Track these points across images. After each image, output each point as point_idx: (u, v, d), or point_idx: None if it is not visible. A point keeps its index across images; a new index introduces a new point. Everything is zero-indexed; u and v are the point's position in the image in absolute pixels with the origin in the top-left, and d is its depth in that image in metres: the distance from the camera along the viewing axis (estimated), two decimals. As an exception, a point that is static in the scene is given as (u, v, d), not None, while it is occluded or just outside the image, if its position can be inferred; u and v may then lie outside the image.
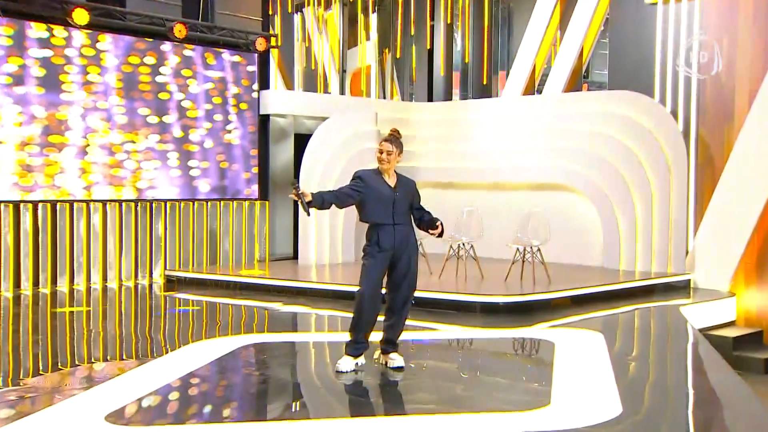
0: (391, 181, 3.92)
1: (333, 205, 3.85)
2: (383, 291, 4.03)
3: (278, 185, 9.40)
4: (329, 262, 8.68)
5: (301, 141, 9.12)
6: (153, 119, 8.26)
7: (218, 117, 8.84)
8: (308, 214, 3.68)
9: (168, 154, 8.46)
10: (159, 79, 8.31)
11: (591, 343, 4.98)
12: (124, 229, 8.31)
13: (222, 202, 9.03)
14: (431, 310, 6.29)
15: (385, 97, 10.93)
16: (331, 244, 8.75)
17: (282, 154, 9.44)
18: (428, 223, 3.98)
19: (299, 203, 3.67)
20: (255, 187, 9.18)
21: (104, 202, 8.09)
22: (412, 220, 4.02)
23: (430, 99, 11.15)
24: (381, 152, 3.88)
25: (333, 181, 8.48)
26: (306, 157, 8.63)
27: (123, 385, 3.84)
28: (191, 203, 8.81)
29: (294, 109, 9.32)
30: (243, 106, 8.97)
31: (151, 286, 8.15)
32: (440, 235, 3.96)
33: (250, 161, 9.10)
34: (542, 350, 4.96)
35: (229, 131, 8.94)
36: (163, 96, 8.33)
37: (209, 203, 8.97)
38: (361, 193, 3.88)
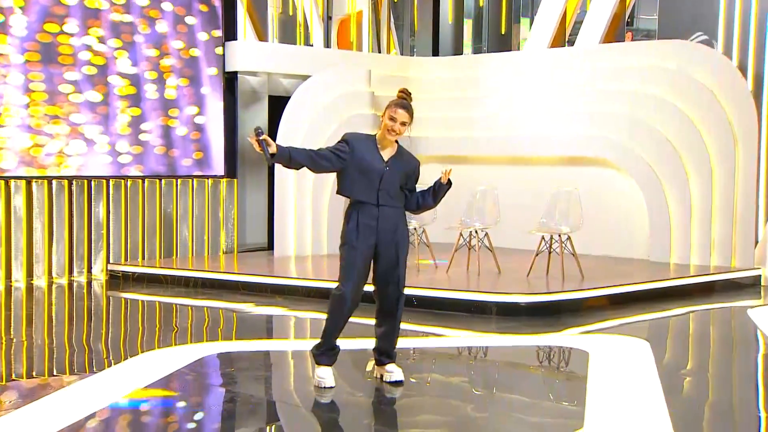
0: (387, 153, 3.92)
1: (304, 167, 3.87)
2: (370, 288, 4.06)
3: (249, 160, 9.42)
4: (312, 253, 8.80)
5: (277, 105, 9.21)
6: (76, 76, 8.26)
7: (170, 75, 8.83)
8: (268, 165, 3.73)
9: (112, 121, 8.48)
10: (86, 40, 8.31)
11: (634, 352, 4.97)
12: (55, 213, 8.32)
13: (179, 181, 9.03)
14: (437, 311, 6.36)
15: (380, 51, 10.90)
16: (315, 231, 8.84)
17: (253, 120, 9.46)
18: (427, 196, 4.04)
19: (261, 152, 3.66)
20: (218, 162, 9.18)
21: (28, 180, 8.06)
22: (404, 206, 4.03)
23: (435, 53, 11.16)
24: (394, 121, 3.86)
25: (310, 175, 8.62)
26: (282, 125, 8.68)
27: (52, 408, 3.80)
28: (140, 181, 8.80)
29: (268, 66, 9.32)
30: (211, 70, 9.04)
31: (90, 283, 8.19)
32: (448, 184, 3.99)
33: (209, 131, 9.12)
34: (573, 361, 4.97)
35: (186, 92, 8.97)
36: (97, 60, 8.33)
37: (163, 181, 8.97)
38: (344, 159, 3.89)
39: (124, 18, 8.42)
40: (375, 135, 3.96)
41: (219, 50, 9.04)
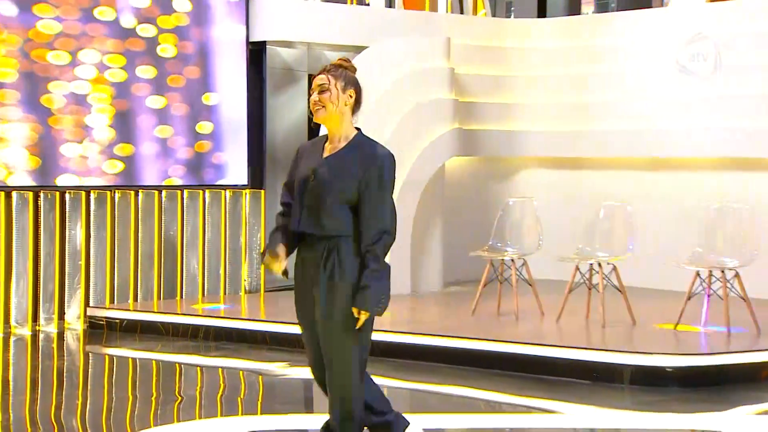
0: (332, 147, 3.86)
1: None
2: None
3: (281, 164, 9.51)
4: None
5: None
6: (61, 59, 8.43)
7: (167, 52, 8.92)
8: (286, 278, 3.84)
9: (97, 114, 8.58)
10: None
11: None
12: (16, 237, 8.32)
13: (187, 193, 9.11)
14: (545, 377, 6.39)
15: (463, 12, 10.91)
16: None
17: (287, 110, 9.50)
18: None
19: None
20: (238, 168, 9.21)
21: None
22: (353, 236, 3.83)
23: (542, 13, 11.22)
24: (312, 92, 3.88)
25: None
26: None
27: None
28: (132, 194, 8.85)
29: (307, 33, 9.37)
30: (229, 39, 9.03)
31: (61, 335, 8.22)
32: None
33: (228, 126, 9.16)
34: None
35: (195, 69, 9.06)
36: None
37: (164, 194, 9.03)
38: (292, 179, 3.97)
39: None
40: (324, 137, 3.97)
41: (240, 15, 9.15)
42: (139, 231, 8.90)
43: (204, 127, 9.07)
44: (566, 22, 10.39)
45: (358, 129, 3.86)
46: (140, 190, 8.86)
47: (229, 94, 9.16)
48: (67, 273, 8.56)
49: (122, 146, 8.66)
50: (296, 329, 7.07)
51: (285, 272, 3.80)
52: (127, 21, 8.63)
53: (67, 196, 8.52)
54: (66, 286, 8.54)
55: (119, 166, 8.66)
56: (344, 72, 3.86)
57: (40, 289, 8.40)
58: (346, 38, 9.46)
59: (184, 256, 9.13)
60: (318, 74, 3.87)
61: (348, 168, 3.76)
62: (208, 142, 9.07)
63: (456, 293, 9.11)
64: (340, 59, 3.95)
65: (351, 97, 3.83)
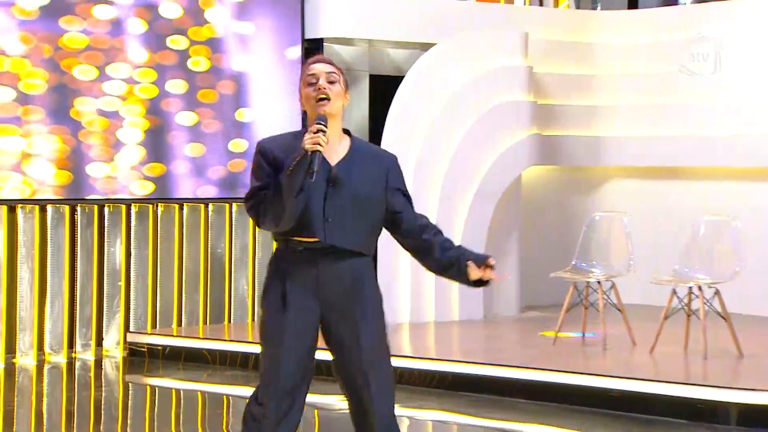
0: (333, 148, 3.77)
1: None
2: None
3: None
4: (434, 319, 8.85)
5: (383, 90, 9.24)
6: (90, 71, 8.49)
7: (199, 65, 8.91)
8: (311, 176, 3.62)
9: (131, 123, 8.61)
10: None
11: None
12: (50, 256, 8.38)
13: (236, 206, 9.09)
14: (638, 415, 6.34)
15: (542, 4, 10.77)
16: (437, 285, 8.79)
17: (348, 114, 9.29)
18: (452, 258, 3.83)
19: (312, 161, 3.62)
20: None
21: (11, 205, 8.18)
22: (394, 241, 3.92)
23: (632, 5, 11.02)
24: (315, 81, 3.76)
25: (442, 173, 8.74)
26: (390, 121, 8.75)
27: None
28: (176, 207, 8.86)
29: (369, 29, 9.33)
30: (282, 36, 9.05)
31: (99, 363, 8.23)
32: (485, 283, 3.80)
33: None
34: None
35: (243, 74, 9.04)
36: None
37: (211, 207, 9.05)
38: (263, 178, 3.76)
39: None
40: (298, 131, 3.84)
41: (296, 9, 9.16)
42: (184, 248, 8.90)
43: (238, 144, 9.01)
44: (660, 14, 10.23)
45: (346, 130, 3.85)
46: (185, 204, 8.87)
47: (281, 98, 9.11)
48: (105, 295, 8.57)
49: (153, 165, 8.68)
50: None
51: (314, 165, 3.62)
52: (158, 33, 8.68)
53: (105, 210, 8.55)
54: (104, 310, 8.55)
55: (149, 186, 8.67)
56: (342, 70, 3.84)
57: (76, 313, 8.42)
58: (412, 34, 9.40)
59: (233, 277, 9.09)
60: (314, 63, 3.80)
61: (367, 175, 3.79)
62: (242, 160, 9.00)
63: (535, 319, 9.04)
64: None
65: (346, 94, 3.80)
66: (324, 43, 9.35)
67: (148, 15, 8.59)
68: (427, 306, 8.82)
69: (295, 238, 3.73)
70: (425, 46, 9.17)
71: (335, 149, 3.74)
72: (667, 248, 8.66)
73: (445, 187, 8.75)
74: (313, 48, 9.30)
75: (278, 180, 3.65)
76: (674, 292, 7.36)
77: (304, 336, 3.77)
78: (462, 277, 3.78)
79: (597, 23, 10.19)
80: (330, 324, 3.79)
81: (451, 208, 8.79)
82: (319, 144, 3.56)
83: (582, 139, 9.81)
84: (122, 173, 8.52)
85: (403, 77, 8.93)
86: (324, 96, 3.69)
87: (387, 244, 8.36)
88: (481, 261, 3.74)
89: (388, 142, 8.59)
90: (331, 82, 3.72)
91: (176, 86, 8.73)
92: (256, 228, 9.12)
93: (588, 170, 10.10)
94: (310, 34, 9.26)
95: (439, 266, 3.86)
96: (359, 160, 3.79)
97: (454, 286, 8.74)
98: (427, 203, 8.67)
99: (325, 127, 3.60)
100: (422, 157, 8.72)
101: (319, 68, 3.75)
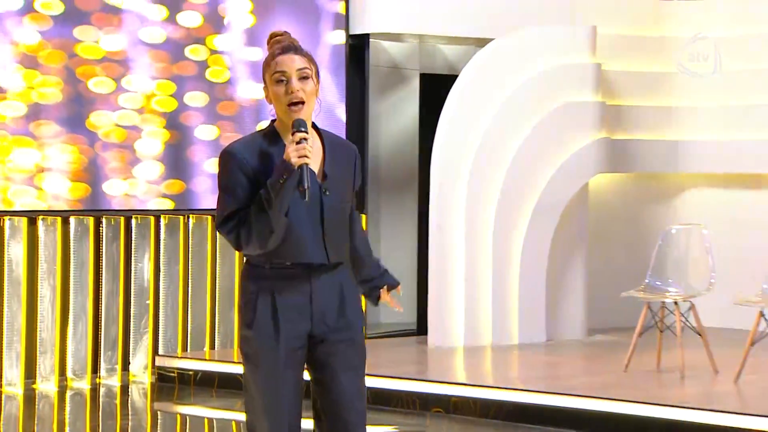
0: (311, 153, 3.71)
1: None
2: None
3: (388, 181, 9.54)
4: (492, 342, 8.82)
5: (435, 90, 9.23)
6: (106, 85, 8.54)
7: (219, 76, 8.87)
8: (304, 194, 3.59)
9: (145, 145, 8.63)
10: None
11: None
12: (73, 271, 8.38)
13: (273, 217, 9.08)
14: None
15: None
16: (500, 305, 8.83)
17: (396, 117, 9.50)
18: (368, 269, 3.98)
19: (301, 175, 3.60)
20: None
21: (31, 216, 8.25)
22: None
23: None
24: (285, 79, 3.68)
25: (498, 182, 8.71)
26: (443, 125, 8.77)
27: None
28: (208, 219, 8.90)
29: (419, 24, 9.37)
30: (325, 33, 9.04)
31: (126, 389, 8.26)
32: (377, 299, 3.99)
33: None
34: None
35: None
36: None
37: None
38: (241, 195, 3.67)
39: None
40: (266, 131, 3.78)
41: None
42: (217, 264, 8.89)
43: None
44: (745, 4, 10.02)
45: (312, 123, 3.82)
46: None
47: (324, 99, 9.02)
48: (132, 315, 8.59)
49: (172, 182, 8.73)
50: (406, 386, 7.30)
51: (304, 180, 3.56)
52: (176, 42, 8.77)
53: (133, 221, 8.57)
54: (131, 331, 8.57)
55: (167, 204, 8.75)
56: (311, 56, 3.75)
57: (100, 334, 8.44)
58: (466, 29, 9.38)
59: None
60: (283, 53, 3.69)
61: (343, 171, 3.80)
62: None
63: (603, 343, 9.00)
64: (280, 32, 3.77)
65: (317, 85, 3.72)
66: (370, 39, 9.36)
67: (165, 24, 8.67)
68: (483, 328, 8.78)
69: (287, 262, 3.66)
70: (481, 42, 9.16)
71: (313, 149, 3.67)
72: (752, 264, 8.58)
73: (502, 199, 8.71)
74: (358, 45, 9.35)
75: (257, 195, 3.58)
76: (762, 314, 7.25)
77: (298, 365, 3.75)
78: (371, 297, 3.96)
79: (674, 14, 10.06)
80: (317, 342, 3.75)
81: (509, 223, 8.78)
82: (306, 156, 3.53)
83: (656, 144, 9.66)
84: (140, 189, 8.59)
85: (456, 76, 8.92)
86: (297, 101, 3.63)
87: (439, 259, 8.71)
88: (394, 287, 3.93)
89: (439, 148, 8.63)
90: (303, 78, 3.66)
91: (195, 99, 8.81)
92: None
93: (663, 178, 10.00)
94: (354, 30, 9.27)
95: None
96: (336, 158, 3.77)
97: (514, 306, 8.77)
98: (481, 216, 8.72)
99: (306, 132, 3.57)
100: (477, 164, 8.69)
101: (288, 64, 3.66)
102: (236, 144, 3.71)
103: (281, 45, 3.69)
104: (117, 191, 8.47)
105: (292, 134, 3.55)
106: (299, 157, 3.51)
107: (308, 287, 3.70)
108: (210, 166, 8.73)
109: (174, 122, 8.70)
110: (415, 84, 9.60)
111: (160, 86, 8.66)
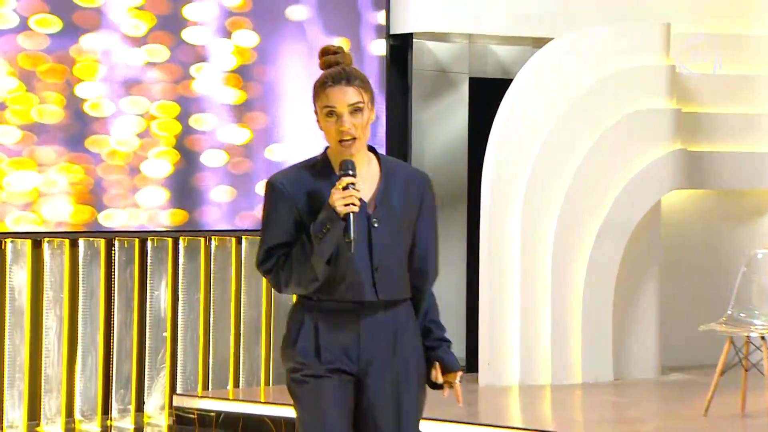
0: (362, 175, 3.85)
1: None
2: None
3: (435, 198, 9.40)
4: (551, 382, 8.84)
5: (487, 96, 9.25)
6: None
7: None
8: (350, 245, 3.73)
9: (148, 171, 8.66)
10: None
11: None
12: (82, 301, 8.41)
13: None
14: None
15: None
16: (560, 341, 8.83)
17: (441, 127, 9.48)
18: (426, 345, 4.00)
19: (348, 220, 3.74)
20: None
21: (37, 238, 8.32)
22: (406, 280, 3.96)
23: None
24: (335, 112, 3.79)
25: (559, 200, 8.74)
26: (494, 138, 8.79)
27: None
28: (232, 241, 8.97)
29: (468, 23, 9.37)
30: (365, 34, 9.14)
31: (140, 431, 8.29)
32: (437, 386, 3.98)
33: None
34: None
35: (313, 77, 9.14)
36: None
37: None
38: (279, 231, 3.83)
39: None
40: (317, 160, 3.92)
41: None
42: (242, 291, 8.91)
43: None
44: None
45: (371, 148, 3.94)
46: (244, 236, 8.90)
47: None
48: (147, 348, 8.61)
49: (174, 212, 8.79)
50: (453, 429, 7.25)
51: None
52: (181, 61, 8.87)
53: (148, 244, 8.60)
54: (146, 367, 8.60)
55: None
56: (363, 79, 3.82)
57: (112, 371, 8.45)
58: (522, 28, 9.39)
59: None
60: (335, 83, 3.78)
61: (402, 202, 3.87)
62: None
63: (679, 383, 8.95)
64: (326, 51, 3.88)
65: (371, 111, 3.84)
66: (413, 40, 9.39)
67: (169, 41, 8.76)
68: (541, 364, 8.78)
69: (334, 297, 3.79)
70: (539, 43, 9.20)
71: (365, 176, 3.81)
72: None
73: (562, 218, 8.70)
74: (400, 46, 9.36)
75: (301, 236, 3.72)
76: None
77: (345, 409, 3.84)
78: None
79: (761, 9, 9.98)
80: (365, 385, 3.85)
81: (570, 245, 8.78)
82: (353, 204, 3.64)
83: (739, 157, 9.54)
84: (142, 218, 8.67)
85: (511, 80, 8.94)
86: (349, 138, 3.74)
87: (490, 287, 8.61)
88: (449, 370, 3.89)
89: (491, 162, 8.64)
90: (355, 111, 3.76)
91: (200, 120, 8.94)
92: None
93: (747, 195, 9.92)
94: (395, 29, 9.29)
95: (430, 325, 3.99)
96: (395, 187, 3.86)
97: (576, 340, 8.69)
98: (539, 239, 8.72)
99: (354, 176, 3.68)
100: (534, 179, 8.67)
101: (338, 97, 3.76)
102: (280, 175, 3.84)
103: (332, 73, 3.78)
104: (118, 220, 8.52)
105: (339, 178, 3.67)
106: (345, 205, 3.62)
107: (356, 326, 3.80)
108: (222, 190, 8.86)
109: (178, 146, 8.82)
110: (464, 89, 9.61)
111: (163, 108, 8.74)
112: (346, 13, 9.21)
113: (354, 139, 3.73)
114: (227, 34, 8.95)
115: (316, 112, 3.81)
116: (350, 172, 3.66)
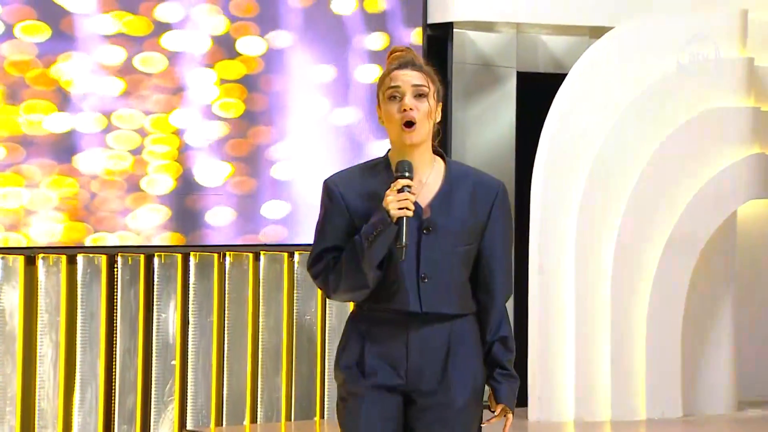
0: (422, 179, 4.04)
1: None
2: None
3: None
4: (611, 418, 8.86)
5: (537, 93, 9.37)
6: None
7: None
8: (401, 252, 3.89)
9: (149, 179, 8.76)
10: None
11: None
12: (83, 323, 8.46)
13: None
14: None
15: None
16: (621, 369, 8.82)
17: (486, 126, 9.58)
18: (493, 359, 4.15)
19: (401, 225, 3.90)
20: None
21: (30, 254, 8.34)
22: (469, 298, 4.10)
23: None
24: (398, 95, 3.96)
25: (619, 210, 8.79)
26: (546, 138, 8.86)
27: None
28: (250, 257, 8.99)
29: (517, 11, 9.50)
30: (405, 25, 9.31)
31: None
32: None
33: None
34: None
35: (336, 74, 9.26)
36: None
37: (296, 258, 9.19)
38: (331, 234, 4.02)
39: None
40: (377, 161, 4.10)
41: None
42: (260, 315, 8.90)
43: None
44: None
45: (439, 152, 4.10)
46: (262, 252, 8.92)
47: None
48: (154, 379, 8.61)
49: (171, 235, 8.88)
50: None
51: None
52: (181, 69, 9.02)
53: (155, 260, 8.61)
54: (152, 399, 8.59)
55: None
56: (430, 70, 4.01)
57: (114, 404, 8.46)
58: (578, 16, 9.52)
59: (326, 355, 9.07)
60: (400, 69, 3.97)
61: (464, 210, 4.00)
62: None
63: (758, 420, 9.02)
64: (402, 47, 4.10)
65: (439, 107, 3.99)
66: (454, 30, 9.42)
67: (167, 49, 8.92)
68: (599, 398, 8.80)
69: (380, 306, 3.95)
70: (597, 32, 9.29)
71: (426, 180, 3.98)
72: None
73: (623, 231, 8.71)
74: (439, 37, 9.44)
75: (352, 239, 3.90)
76: None
77: (387, 425, 3.99)
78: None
79: None
80: (413, 402, 3.97)
81: (632, 262, 8.79)
82: (407, 208, 3.78)
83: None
84: (139, 239, 8.75)
85: (564, 75, 8.97)
86: (409, 120, 3.89)
87: (541, 310, 8.44)
88: (498, 402, 3.99)
89: (541, 166, 8.68)
90: (419, 96, 3.92)
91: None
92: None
93: None
94: (434, 18, 9.33)
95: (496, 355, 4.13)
96: (457, 193, 4.00)
97: (640, 371, 8.67)
98: (596, 255, 8.77)
99: (411, 178, 3.84)
100: (590, 186, 8.71)
101: (402, 79, 3.94)
102: (335, 176, 4.04)
103: (398, 58, 4.01)
104: (110, 240, 8.60)
105: (395, 179, 3.83)
106: (399, 208, 3.78)
107: (405, 338, 3.95)
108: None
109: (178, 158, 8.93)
110: (512, 85, 9.63)
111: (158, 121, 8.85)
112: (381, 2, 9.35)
113: (415, 124, 3.86)
114: (231, 42, 9.07)
115: (378, 107, 3.98)
116: (407, 174, 3.81)
